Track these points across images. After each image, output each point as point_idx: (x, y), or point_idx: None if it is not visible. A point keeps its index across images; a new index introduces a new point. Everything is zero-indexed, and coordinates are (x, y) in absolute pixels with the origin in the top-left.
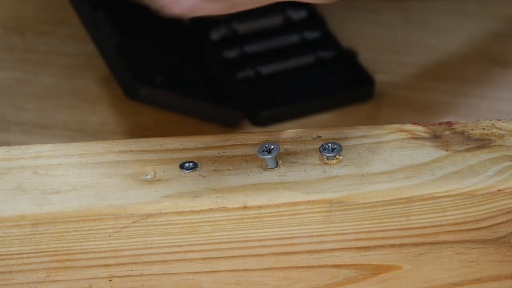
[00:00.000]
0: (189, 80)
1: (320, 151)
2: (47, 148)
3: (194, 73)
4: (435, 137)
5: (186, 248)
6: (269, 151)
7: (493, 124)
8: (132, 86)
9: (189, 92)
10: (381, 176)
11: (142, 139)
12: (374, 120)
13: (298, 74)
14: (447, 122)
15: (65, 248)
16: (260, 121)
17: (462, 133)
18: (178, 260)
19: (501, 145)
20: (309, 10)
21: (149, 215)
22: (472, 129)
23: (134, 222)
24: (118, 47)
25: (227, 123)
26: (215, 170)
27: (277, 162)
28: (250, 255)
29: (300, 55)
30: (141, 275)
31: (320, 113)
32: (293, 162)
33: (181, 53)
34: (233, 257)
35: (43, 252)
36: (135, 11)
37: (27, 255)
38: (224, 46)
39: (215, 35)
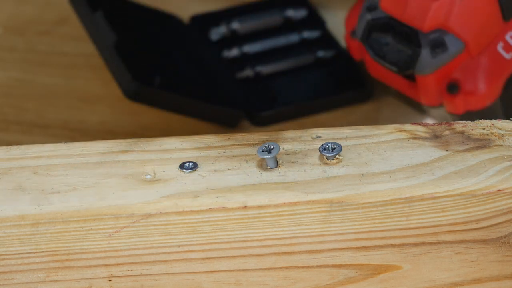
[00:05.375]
0: (188, 80)
1: (320, 151)
2: (47, 148)
3: (193, 73)
4: (435, 137)
5: (186, 248)
6: (269, 151)
7: (493, 124)
8: (131, 87)
9: (188, 92)
10: (381, 176)
11: (142, 139)
12: (374, 120)
13: (298, 74)
14: (447, 122)
15: (65, 248)
16: (260, 121)
17: (462, 133)
18: (178, 260)
19: (501, 145)
20: (308, 10)
21: (149, 215)
22: (472, 129)
23: (134, 222)
24: (117, 48)
25: (227, 123)
26: (215, 170)
27: (277, 162)
28: (250, 255)
29: (299, 55)
30: (141, 275)
31: (320, 113)
32: (293, 162)
33: (180, 53)
34: (233, 257)
35: (43, 252)
36: (135, 12)
37: (27, 255)
38: (223, 46)
39: (214, 35)
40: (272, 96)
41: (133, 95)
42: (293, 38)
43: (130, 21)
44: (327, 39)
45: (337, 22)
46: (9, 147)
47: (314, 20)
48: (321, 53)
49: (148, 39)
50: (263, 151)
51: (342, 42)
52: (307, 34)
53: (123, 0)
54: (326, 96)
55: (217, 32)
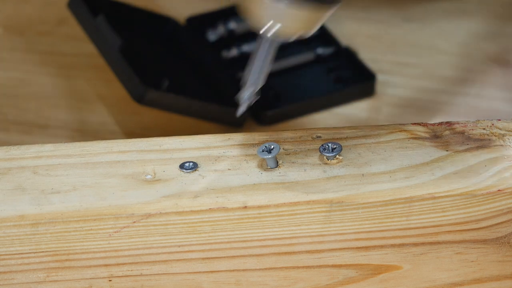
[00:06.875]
0: (193, 82)
1: (320, 151)
2: (47, 148)
3: (196, 75)
4: (435, 137)
5: (186, 248)
6: (269, 151)
7: (493, 124)
8: (140, 91)
9: (195, 94)
10: (381, 176)
11: (142, 139)
12: (374, 120)
13: (299, 72)
14: (447, 122)
15: (65, 248)
16: (265, 120)
17: (462, 133)
18: (178, 260)
19: (501, 145)
20: None
21: (149, 215)
22: (472, 129)
23: (134, 222)
24: (122, 52)
25: (233, 123)
26: (215, 170)
27: (277, 162)
28: (250, 255)
29: (299, 53)
30: (141, 275)
31: (325, 109)
32: (293, 162)
33: (181, 55)
34: (233, 257)
35: (43, 252)
36: (133, 16)
37: (27, 255)
38: (222, 46)
39: (212, 36)
40: (276, 94)
41: (142, 99)
42: None
43: (131, 24)
44: (325, 36)
45: (336, 21)
46: (9, 147)
47: None
48: (320, 50)
49: (150, 42)
50: (263, 151)
51: (342, 41)
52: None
53: (121, 4)
54: (330, 93)
55: (215, 33)
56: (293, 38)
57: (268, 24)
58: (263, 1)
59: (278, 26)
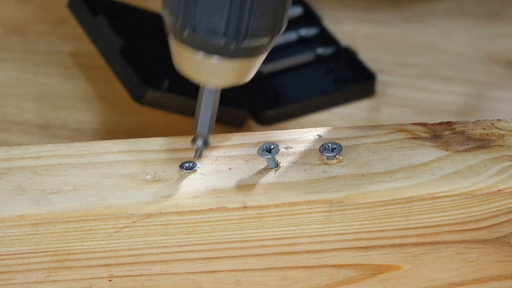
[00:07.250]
0: (193, 82)
1: (320, 151)
2: (47, 148)
3: None
4: (435, 137)
5: (186, 248)
6: (269, 151)
7: (493, 124)
8: (139, 91)
9: (195, 94)
10: (381, 176)
11: (142, 139)
12: (374, 120)
13: (299, 72)
14: (447, 122)
15: (65, 248)
16: (265, 120)
17: (462, 133)
18: (178, 260)
19: (501, 145)
20: (303, 7)
21: (149, 215)
22: (472, 129)
23: (134, 222)
24: (122, 52)
25: (233, 123)
26: (215, 170)
27: (277, 162)
28: (250, 255)
29: (299, 53)
30: (141, 275)
31: (325, 109)
32: (293, 162)
33: None
34: (233, 257)
35: (43, 252)
36: (135, 16)
37: (27, 255)
38: None
39: None
40: (276, 95)
41: (142, 99)
42: (291, 36)
43: (131, 24)
44: (325, 36)
45: (336, 21)
46: (9, 147)
47: (310, 18)
48: (320, 50)
49: (150, 42)
50: (263, 151)
51: (342, 41)
52: (304, 32)
53: (121, 4)
54: (329, 93)
55: None
56: (231, 85)
57: (204, 79)
58: (196, 60)
59: (213, 79)
